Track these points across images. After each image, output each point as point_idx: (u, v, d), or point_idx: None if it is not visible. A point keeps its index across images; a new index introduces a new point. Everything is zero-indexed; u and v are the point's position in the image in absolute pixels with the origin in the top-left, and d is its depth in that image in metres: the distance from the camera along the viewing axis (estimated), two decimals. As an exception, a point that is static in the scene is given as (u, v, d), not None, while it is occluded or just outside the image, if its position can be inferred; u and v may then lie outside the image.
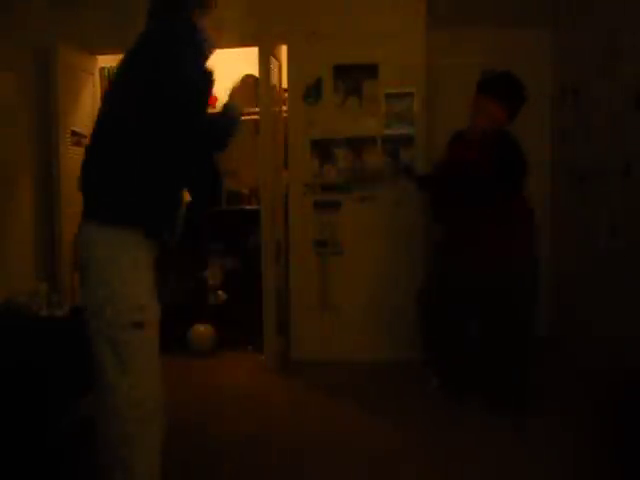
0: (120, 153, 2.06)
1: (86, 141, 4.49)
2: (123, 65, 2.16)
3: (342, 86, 4.21)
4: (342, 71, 4.20)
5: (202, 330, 4.45)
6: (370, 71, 4.17)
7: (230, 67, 4.82)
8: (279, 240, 4.27)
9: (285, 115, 4.37)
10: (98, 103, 4.79)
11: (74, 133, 4.43)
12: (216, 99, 4.83)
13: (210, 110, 2.18)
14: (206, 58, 2.20)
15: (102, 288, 2.03)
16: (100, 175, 2.09)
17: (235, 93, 2.35)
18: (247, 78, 2.41)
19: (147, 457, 2.17)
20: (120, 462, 2.13)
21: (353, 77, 4.19)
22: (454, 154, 3.43)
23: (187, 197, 4.57)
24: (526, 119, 4.78)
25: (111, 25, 4.58)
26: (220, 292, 4.67)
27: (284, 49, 4.31)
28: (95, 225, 2.06)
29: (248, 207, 4.78)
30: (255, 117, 4.32)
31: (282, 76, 4.37)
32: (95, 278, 2.05)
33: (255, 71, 4.22)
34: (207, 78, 2.14)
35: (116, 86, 2.21)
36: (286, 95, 4.35)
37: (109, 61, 4.85)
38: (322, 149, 4.24)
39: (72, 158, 4.39)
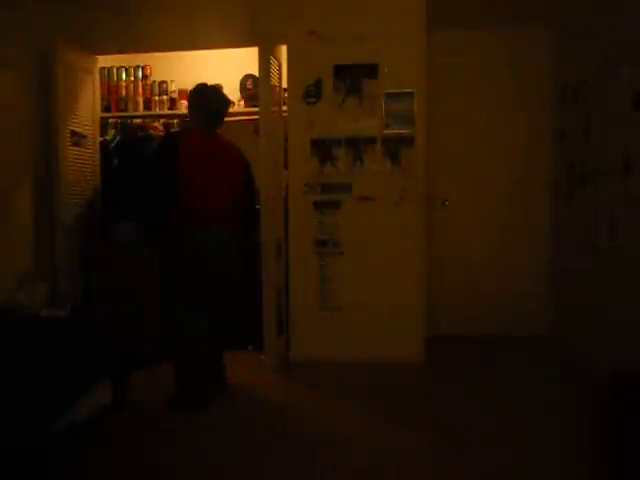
0: None
1: (86, 141, 4.55)
2: None
3: (342, 86, 4.21)
4: (342, 71, 4.20)
5: (202, 330, 4.45)
6: (370, 71, 4.17)
7: (230, 67, 4.86)
8: (279, 240, 4.27)
9: (285, 115, 4.37)
10: (98, 103, 4.80)
11: (74, 133, 4.43)
12: (216, 99, 4.84)
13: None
14: None
15: None
16: None
17: None
18: None
19: None
20: None
21: (353, 77, 4.19)
22: None
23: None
24: (526, 119, 4.83)
25: (111, 25, 4.59)
26: (220, 292, 4.66)
27: (284, 49, 4.31)
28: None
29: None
30: (255, 117, 4.32)
31: (282, 76, 4.37)
32: None
33: (255, 71, 4.23)
34: None
35: None
36: (286, 95, 4.35)
37: (109, 61, 4.86)
38: (322, 149, 4.24)
39: (72, 158, 4.40)
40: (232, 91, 4.83)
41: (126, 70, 4.88)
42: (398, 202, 4.20)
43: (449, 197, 4.93)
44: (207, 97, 3.63)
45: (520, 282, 4.83)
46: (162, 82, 4.87)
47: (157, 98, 4.85)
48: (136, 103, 4.86)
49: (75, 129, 4.44)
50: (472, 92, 4.87)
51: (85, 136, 4.55)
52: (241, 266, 3.71)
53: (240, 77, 4.83)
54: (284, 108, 4.38)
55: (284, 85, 4.36)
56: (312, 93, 4.23)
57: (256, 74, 4.24)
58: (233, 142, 3.79)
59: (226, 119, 4.74)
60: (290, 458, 2.84)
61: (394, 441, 3.00)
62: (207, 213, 3.46)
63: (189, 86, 4.85)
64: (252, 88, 4.71)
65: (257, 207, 3.91)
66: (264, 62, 3.99)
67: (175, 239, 3.46)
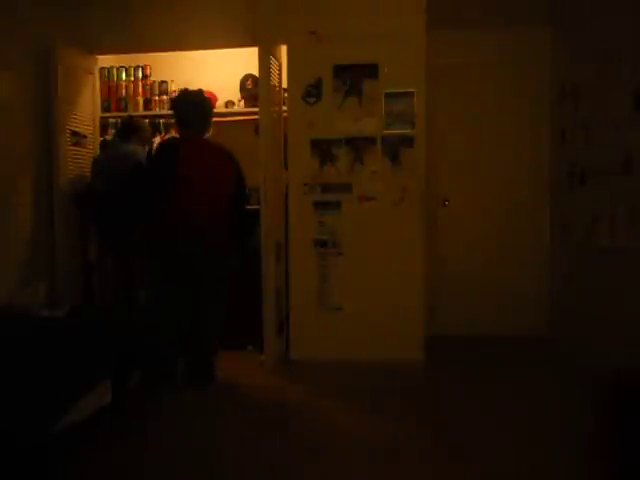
0: None
1: (86, 141, 4.55)
2: None
3: (342, 86, 4.21)
4: (342, 71, 4.20)
5: (202, 330, 4.44)
6: (370, 71, 4.17)
7: (230, 67, 4.86)
8: (279, 240, 4.27)
9: (285, 115, 4.37)
10: (98, 103, 4.80)
11: (74, 133, 4.43)
12: (216, 99, 4.86)
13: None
14: None
15: None
16: None
17: None
18: None
19: None
20: None
21: (353, 77, 4.19)
22: None
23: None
24: (526, 119, 4.83)
25: (111, 25, 4.59)
26: (220, 292, 4.66)
27: (284, 49, 4.31)
28: None
29: (248, 207, 4.76)
30: (255, 117, 4.32)
31: (282, 76, 4.37)
32: None
33: (255, 71, 4.23)
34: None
35: None
36: (286, 95, 4.35)
37: (109, 61, 4.86)
38: (322, 149, 4.24)
39: (72, 158, 4.40)
40: (232, 91, 4.84)
41: (126, 70, 4.89)
42: (398, 202, 4.19)
43: (449, 197, 4.93)
44: (187, 107, 3.77)
45: (520, 282, 4.83)
46: (162, 82, 4.88)
47: (157, 98, 4.86)
48: (136, 103, 4.86)
49: (75, 129, 4.44)
50: (472, 92, 4.87)
51: (85, 136, 4.55)
52: (228, 266, 3.80)
53: (240, 77, 4.84)
54: (284, 108, 4.38)
55: (284, 85, 4.36)
56: (312, 93, 4.23)
57: (256, 74, 4.24)
58: (225, 143, 3.87)
59: (226, 119, 4.79)
60: (290, 457, 2.84)
61: (394, 441, 3.00)
62: (194, 214, 3.61)
63: (189, 86, 4.88)
64: (252, 88, 4.72)
65: (246, 208, 4.02)
66: (264, 62, 3.99)
67: (159, 238, 3.65)
